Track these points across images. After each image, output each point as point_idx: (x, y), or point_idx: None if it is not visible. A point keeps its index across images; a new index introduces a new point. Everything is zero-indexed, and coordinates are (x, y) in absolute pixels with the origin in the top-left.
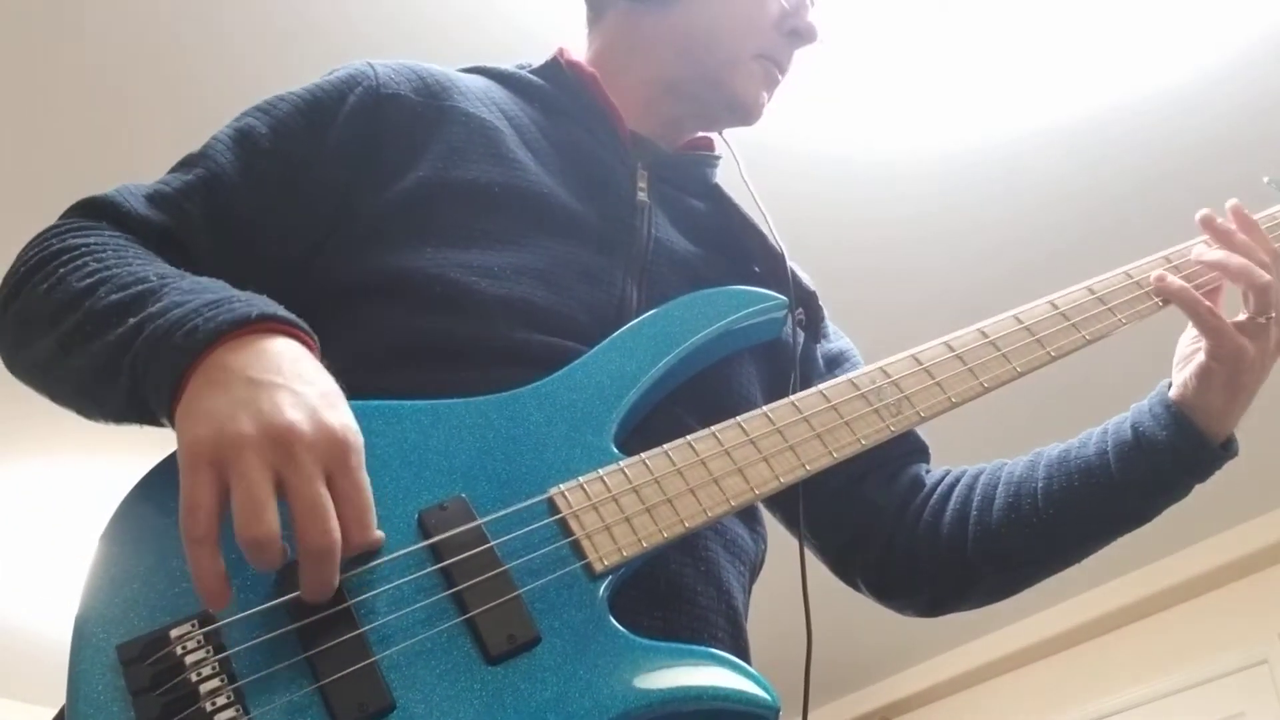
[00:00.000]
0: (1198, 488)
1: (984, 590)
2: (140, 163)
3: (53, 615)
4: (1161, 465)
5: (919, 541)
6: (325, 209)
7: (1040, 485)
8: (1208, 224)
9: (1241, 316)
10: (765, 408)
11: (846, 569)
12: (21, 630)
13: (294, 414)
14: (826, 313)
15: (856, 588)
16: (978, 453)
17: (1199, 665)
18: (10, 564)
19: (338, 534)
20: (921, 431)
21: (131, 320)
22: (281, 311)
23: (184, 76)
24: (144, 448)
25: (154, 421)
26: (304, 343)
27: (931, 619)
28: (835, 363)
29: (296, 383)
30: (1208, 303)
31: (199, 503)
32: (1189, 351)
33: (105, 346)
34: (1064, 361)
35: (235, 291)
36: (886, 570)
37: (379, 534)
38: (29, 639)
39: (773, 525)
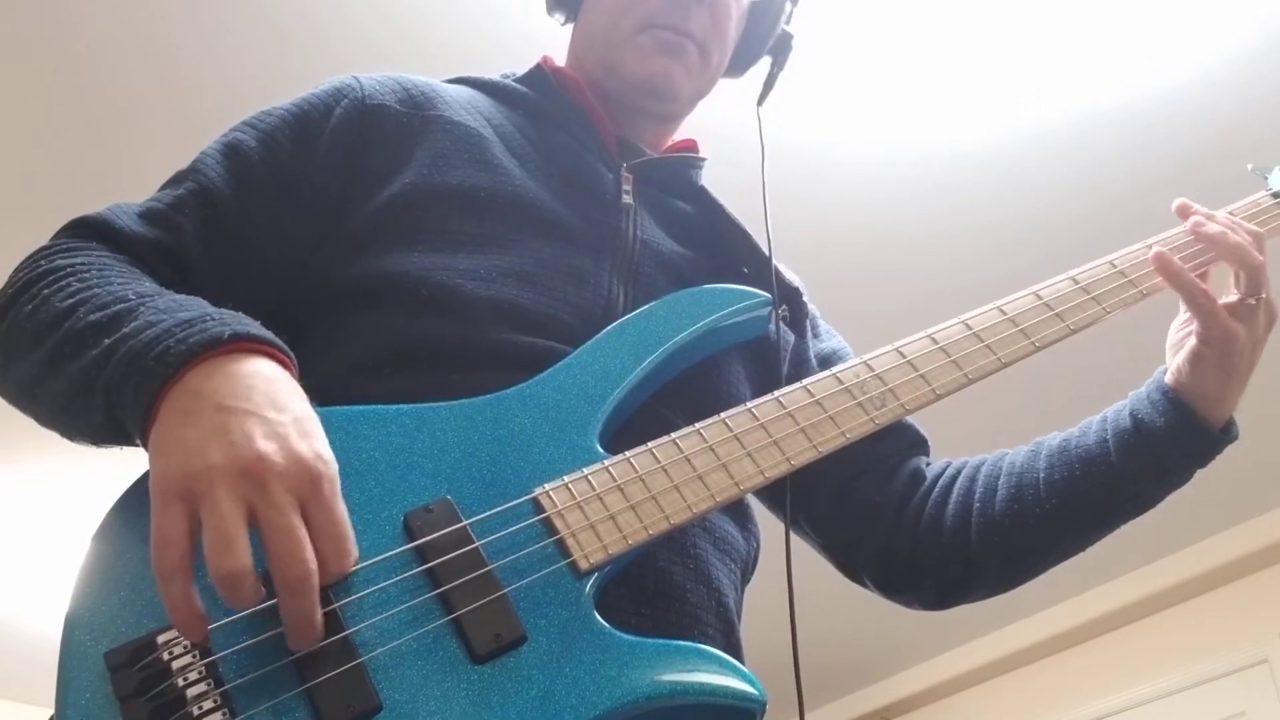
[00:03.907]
0: (1200, 486)
1: (989, 582)
2: (138, 164)
3: (52, 616)
4: (1161, 452)
5: (922, 536)
6: (315, 219)
7: (1041, 475)
8: (1184, 211)
9: (1231, 298)
10: (749, 404)
11: (851, 566)
12: (21, 631)
13: (265, 444)
14: (818, 311)
15: (863, 584)
16: (981, 445)
17: (1199, 665)
18: (10, 564)
19: (313, 564)
20: (924, 425)
21: (106, 341)
22: (256, 330)
23: (182, 76)
24: (143, 450)
25: (132, 443)
26: (280, 362)
27: (932, 617)
28: (828, 362)
29: (269, 410)
30: (1202, 284)
31: (170, 538)
32: (1180, 337)
33: (81, 368)
34: (1071, 353)
35: (211, 310)
36: (890, 566)
37: (355, 555)
38: (28, 639)
39: (767, 528)
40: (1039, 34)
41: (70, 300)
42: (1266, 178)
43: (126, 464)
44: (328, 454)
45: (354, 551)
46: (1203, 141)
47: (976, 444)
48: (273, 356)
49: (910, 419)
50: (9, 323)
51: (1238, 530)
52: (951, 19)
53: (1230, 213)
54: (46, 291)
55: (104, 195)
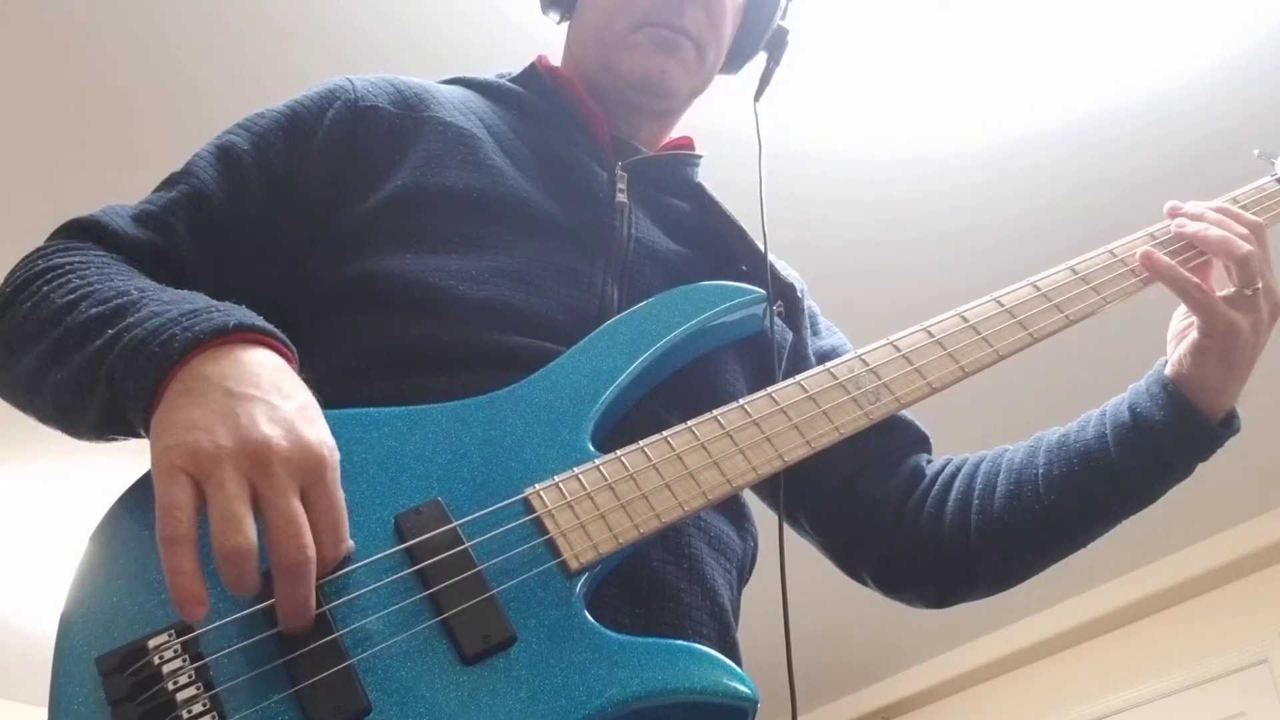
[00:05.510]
0: (1200, 486)
1: (990, 579)
2: (138, 164)
3: (51, 616)
4: (1161, 446)
5: (922, 534)
6: (308, 220)
7: (1041, 471)
8: (1175, 213)
9: (1228, 290)
10: (742, 400)
11: (852, 564)
12: (21, 631)
13: (271, 429)
14: (819, 307)
15: (864, 583)
16: (980, 442)
17: (1199, 665)
18: (10, 564)
19: (313, 549)
20: (925, 423)
21: (110, 331)
22: (259, 322)
23: (182, 76)
24: (143, 449)
25: (133, 433)
26: (282, 354)
27: (932, 617)
28: (828, 359)
29: (274, 396)
30: (1195, 279)
31: (178, 503)
32: (1181, 328)
33: (84, 358)
34: (1073, 345)
35: (214, 302)
36: (891, 564)
37: (350, 544)
38: (28, 639)
39: (766, 528)
40: (1039, 34)
41: (71, 296)
42: (1274, 163)
43: (126, 465)
44: (331, 441)
45: (349, 539)
46: (1203, 141)
47: (976, 441)
48: (275, 348)
49: (911, 416)
50: (7, 322)
51: (1238, 530)
52: (951, 18)
53: (1235, 199)
54: (46, 288)
55: (103, 196)
